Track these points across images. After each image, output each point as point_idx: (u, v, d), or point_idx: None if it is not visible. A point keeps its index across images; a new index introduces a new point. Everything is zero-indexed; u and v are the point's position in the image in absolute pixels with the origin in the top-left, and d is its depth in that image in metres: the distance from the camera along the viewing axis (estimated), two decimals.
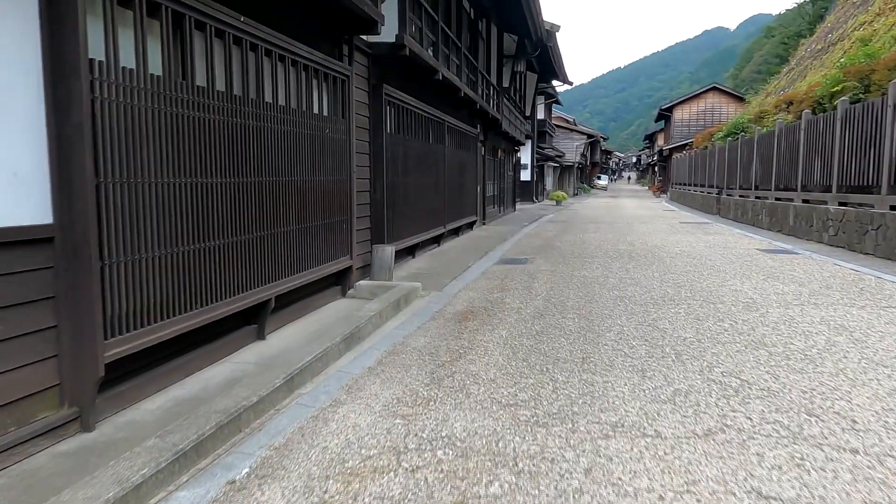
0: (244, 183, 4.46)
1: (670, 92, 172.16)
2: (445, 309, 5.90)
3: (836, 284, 6.86)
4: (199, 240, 3.94)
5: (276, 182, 4.95)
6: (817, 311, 5.47)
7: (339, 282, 6.51)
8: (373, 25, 6.28)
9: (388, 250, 7.02)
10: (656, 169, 57.49)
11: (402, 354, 4.33)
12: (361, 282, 6.76)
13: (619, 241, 11.94)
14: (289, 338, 4.86)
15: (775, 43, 73.66)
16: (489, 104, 14.73)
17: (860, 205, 10.23)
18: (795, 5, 54.87)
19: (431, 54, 8.89)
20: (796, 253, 9.97)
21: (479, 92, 13.65)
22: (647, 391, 3.45)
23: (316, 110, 5.73)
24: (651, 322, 5.15)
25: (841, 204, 10.70)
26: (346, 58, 6.50)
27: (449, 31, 10.63)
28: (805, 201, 12.50)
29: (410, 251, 9.21)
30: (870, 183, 9.70)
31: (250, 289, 4.59)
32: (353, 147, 6.52)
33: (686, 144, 37.70)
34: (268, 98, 4.81)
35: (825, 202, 11.35)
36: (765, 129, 16.49)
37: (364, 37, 7.01)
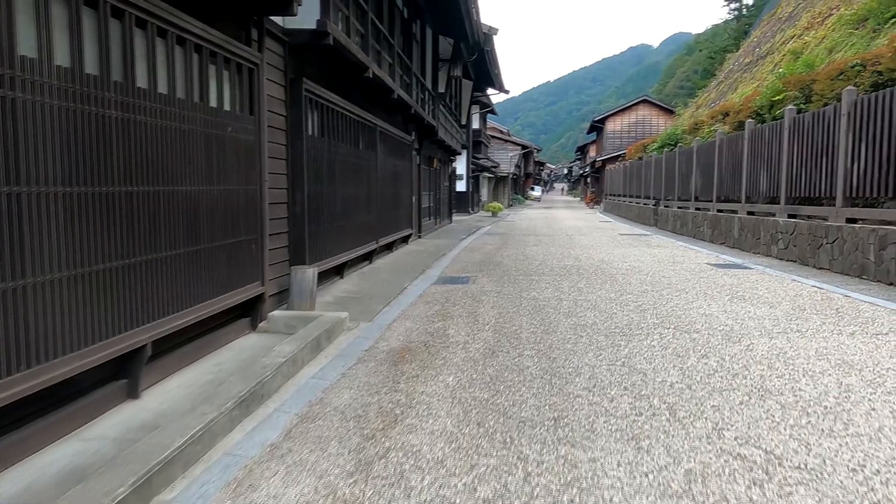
0: (106, 194, 3.32)
1: (598, 106, 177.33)
2: (377, 346, 4.88)
3: (807, 305, 6.26)
4: (27, 273, 2.79)
5: (156, 193, 3.82)
6: (806, 341, 4.77)
7: (249, 312, 5.39)
8: (287, 5, 5.23)
9: (310, 273, 5.94)
10: (588, 180, 58.24)
11: (318, 420, 3.28)
12: (276, 312, 5.65)
13: (564, 256, 11.22)
14: (171, 394, 3.73)
15: (697, 60, 76.95)
16: (424, 110, 13.82)
17: (810, 217, 9.87)
18: (722, 21, 57.14)
19: (360, 49, 7.88)
20: (749, 268, 9.48)
21: (414, 96, 12.72)
22: (650, 475, 2.55)
23: (214, 103, 4.62)
24: (625, 361, 4.30)
25: (790, 216, 10.34)
26: (256, 43, 5.41)
27: (380, 26, 9.65)
28: (750, 213, 12.16)
29: (338, 271, 8.13)
30: (821, 195, 9.33)
31: (117, 333, 3.45)
32: (264, 150, 5.42)
33: (619, 156, 38.04)
34: (141, 83, 3.68)
35: (773, 214, 10.99)
36: (704, 140, 16.29)
37: (279, 21, 5.95)
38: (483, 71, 20.71)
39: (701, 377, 3.88)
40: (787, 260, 10.04)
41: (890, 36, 10.34)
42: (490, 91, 25.49)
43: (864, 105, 8.12)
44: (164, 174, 3.90)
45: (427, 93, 14.61)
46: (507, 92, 23.13)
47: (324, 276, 7.49)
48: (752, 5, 46.31)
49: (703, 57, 60.56)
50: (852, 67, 10.47)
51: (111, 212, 3.37)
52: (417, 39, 14.16)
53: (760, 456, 2.72)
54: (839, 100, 9.59)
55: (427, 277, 8.81)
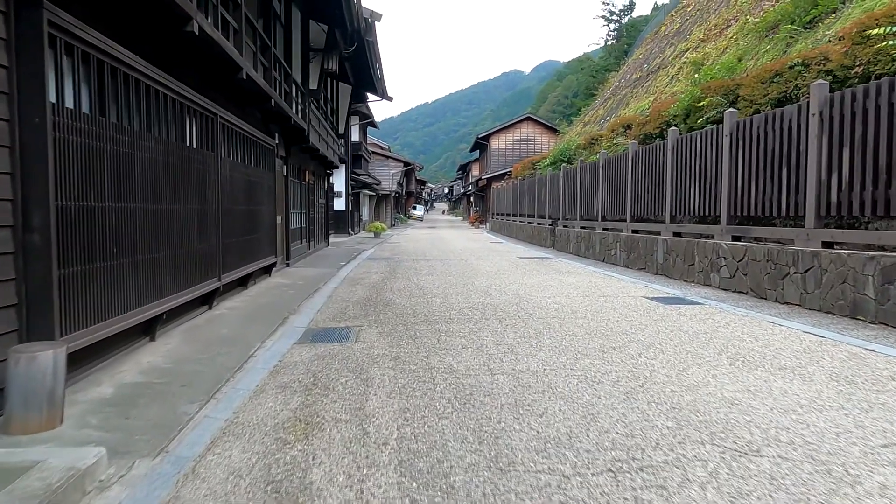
0: None
1: (475, 128, 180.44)
2: None
3: (847, 374, 4.31)
4: None
5: None
6: None
7: None
8: None
9: (47, 359, 3.13)
10: (472, 199, 57.27)
11: None
12: None
13: (469, 290, 8.93)
14: None
15: (567, 85, 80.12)
16: (292, 107, 11.09)
17: (758, 239, 8.28)
18: (603, 40, 59.21)
19: None
20: (697, 302, 7.66)
21: (277, 88, 9.98)
22: None
23: None
24: None
25: (735, 238, 8.70)
26: None
27: None
28: (677, 234, 10.55)
29: (146, 329, 5.26)
30: (779, 213, 7.69)
31: None
32: None
33: (504, 173, 36.91)
34: None
35: (711, 236, 9.36)
36: (610, 152, 14.80)
37: None
38: (363, 72, 18.21)
39: None
40: (737, 291, 8.35)
41: (841, 30, 9.08)
42: (371, 98, 23.04)
43: (845, 102, 6.52)
44: None
45: (295, 87, 11.88)
46: (390, 99, 20.77)
47: (119, 340, 4.64)
48: (631, 26, 47.67)
49: (573, 81, 62.10)
50: (791, 68, 9.11)
51: None
52: (282, 21, 11.43)
53: None
54: (792, 100, 8.12)
55: (290, 331, 6.14)
